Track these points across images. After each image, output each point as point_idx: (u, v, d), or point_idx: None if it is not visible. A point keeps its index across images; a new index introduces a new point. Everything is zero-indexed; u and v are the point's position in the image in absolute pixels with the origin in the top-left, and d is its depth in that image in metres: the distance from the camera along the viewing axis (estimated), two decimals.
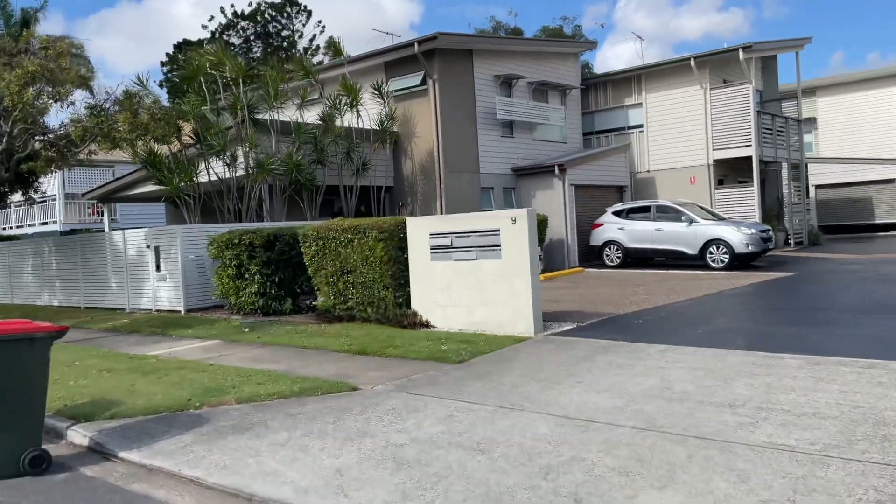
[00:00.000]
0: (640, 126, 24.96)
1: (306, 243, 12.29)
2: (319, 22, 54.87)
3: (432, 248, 10.74)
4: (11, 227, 32.43)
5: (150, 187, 19.99)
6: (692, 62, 22.90)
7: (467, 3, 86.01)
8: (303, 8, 45.95)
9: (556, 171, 20.96)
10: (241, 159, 16.34)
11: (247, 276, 13.31)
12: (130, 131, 11.42)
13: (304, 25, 45.90)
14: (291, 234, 13.35)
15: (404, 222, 11.22)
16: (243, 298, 13.38)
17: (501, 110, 21.09)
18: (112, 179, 21.87)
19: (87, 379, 8.47)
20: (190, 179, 15.28)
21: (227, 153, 15.79)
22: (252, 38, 44.98)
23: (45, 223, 30.37)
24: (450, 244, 10.51)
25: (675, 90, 24.01)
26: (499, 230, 9.90)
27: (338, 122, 18.49)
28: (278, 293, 13.30)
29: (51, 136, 11.22)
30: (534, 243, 9.71)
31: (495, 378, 7.24)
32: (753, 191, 22.45)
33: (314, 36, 45.69)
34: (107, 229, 23.02)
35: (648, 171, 24.75)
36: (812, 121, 33.38)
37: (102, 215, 30.80)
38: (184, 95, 16.58)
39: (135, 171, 20.28)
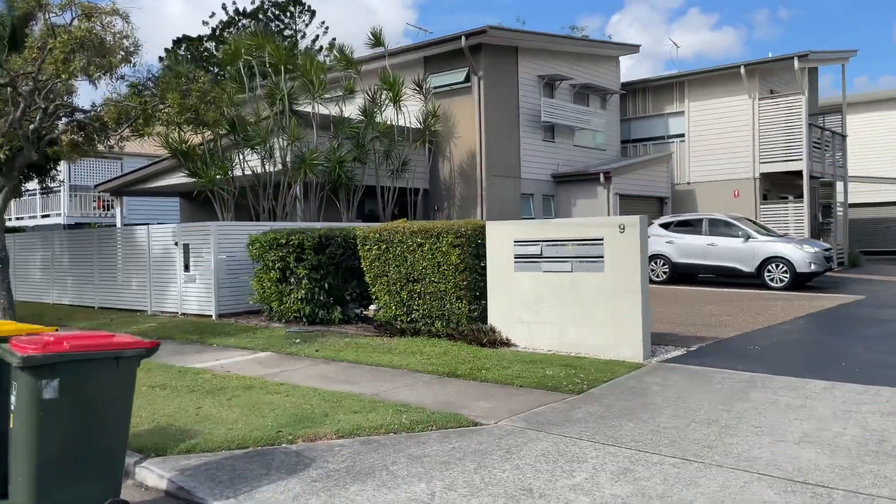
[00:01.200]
0: (682, 136, 23.95)
1: (366, 246, 11.10)
2: (323, 23, 53.81)
3: (517, 256, 9.58)
4: (11, 219, 30.96)
5: (169, 180, 18.74)
6: (742, 70, 21.91)
7: (464, 11, 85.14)
8: (306, 8, 44.88)
9: (602, 178, 19.87)
10: (277, 153, 15.12)
11: (292, 280, 12.09)
12: (179, 113, 10.18)
13: (306, 26, 44.81)
14: (343, 236, 12.16)
15: (483, 227, 10.06)
16: (287, 305, 12.15)
17: (546, 112, 20.00)
18: (129, 171, 20.57)
19: (140, 398, 7.21)
20: (226, 172, 14.04)
21: (266, 146, 14.57)
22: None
23: (48, 216, 28.92)
24: (539, 253, 9.35)
25: (721, 99, 23.02)
26: (602, 239, 8.76)
27: (377, 119, 17.30)
28: (326, 301, 12.09)
29: (82, 116, 9.99)
30: (645, 256, 8.57)
31: (644, 416, 6.07)
32: (803, 207, 21.45)
33: (317, 37, 44.57)
34: (118, 223, 21.70)
35: (689, 183, 23.73)
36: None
37: (108, 209, 29.48)
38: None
39: (155, 163, 19.03)
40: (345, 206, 16.74)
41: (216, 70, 28.20)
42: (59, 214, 28.42)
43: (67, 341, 4.28)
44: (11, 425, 4.30)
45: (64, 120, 10.63)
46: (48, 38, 8.52)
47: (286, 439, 5.71)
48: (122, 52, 9.22)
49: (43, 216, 29.33)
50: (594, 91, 22.47)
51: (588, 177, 20.40)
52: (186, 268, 14.23)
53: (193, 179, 15.06)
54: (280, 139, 14.88)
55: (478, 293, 10.09)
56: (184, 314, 14.31)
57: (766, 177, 22.52)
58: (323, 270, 12.00)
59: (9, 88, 9.28)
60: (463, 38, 17.92)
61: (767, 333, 10.45)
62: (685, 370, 7.86)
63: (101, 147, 12.10)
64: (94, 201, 29.44)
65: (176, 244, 14.41)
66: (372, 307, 12.27)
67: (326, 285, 12.04)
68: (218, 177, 13.95)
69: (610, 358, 8.56)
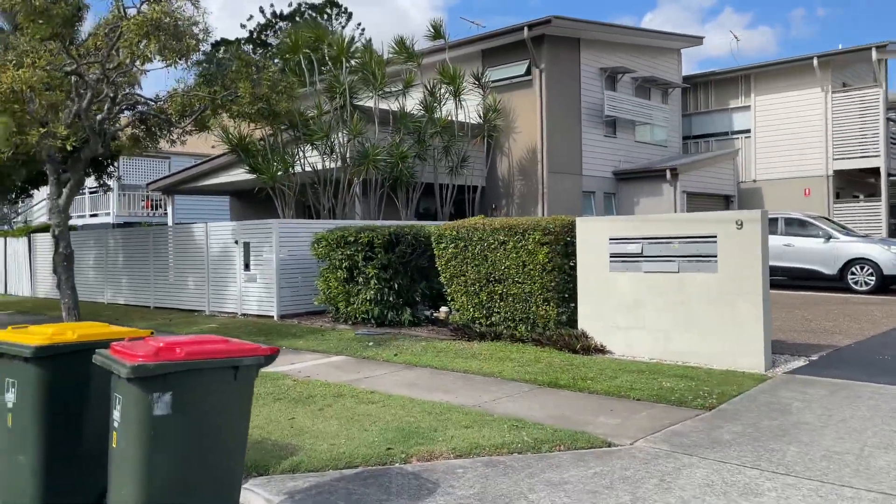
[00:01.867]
0: (747, 131, 22.92)
1: (441, 244, 10.45)
2: (359, 24, 53.50)
3: (613, 255, 8.84)
4: None
5: (223, 178, 18.35)
6: (815, 62, 20.82)
7: (493, 14, 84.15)
8: (343, 10, 44.57)
9: (668, 175, 18.98)
10: (337, 149, 14.56)
11: (360, 280, 11.50)
12: (250, 103, 9.65)
13: (343, 27, 44.47)
14: (413, 234, 11.54)
15: (572, 223, 9.34)
16: (355, 306, 11.56)
17: (609, 106, 19.19)
18: (182, 169, 20.26)
19: None
20: (287, 168, 13.52)
21: (329, 141, 14.01)
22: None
23: (96, 215, 28.90)
24: (639, 252, 8.60)
25: (790, 93, 21.95)
26: (715, 237, 7.98)
27: (436, 114, 16.67)
28: (395, 302, 11.47)
29: (145, 108, 9.52)
30: (766, 254, 7.77)
31: (804, 439, 5.30)
32: (881, 206, 20.31)
33: (353, 38, 44.22)
34: (170, 222, 21.41)
35: (755, 181, 22.68)
36: None
37: (156, 209, 29.37)
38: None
39: (209, 160, 18.64)
40: (403, 204, 16.14)
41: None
42: (107, 214, 28.36)
43: (180, 347, 3.68)
44: (115, 444, 3.72)
45: (127, 112, 10.15)
46: (120, 20, 8.03)
47: (399, 458, 5.07)
48: (193, 39, 8.71)
49: (91, 215, 29.32)
50: (656, 85, 21.58)
51: (653, 173, 19.53)
52: (247, 267, 13.75)
53: (253, 176, 14.59)
54: (340, 134, 14.32)
55: (566, 295, 9.37)
56: (244, 315, 13.83)
57: (838, 174, 21.39)
58: (392, 270, 11.39)
59: (73, 77, 8.84)
60: (525, 28, 17.20)
61: (884, 341, 9.55)
62: (822, 383, 7.04)
63: (162, 143, 11.65)
64: (143, 201, 29.35)
65: (236, 242, 13.94)
66: (443, 309, 11.64)
67: (396, 286, 11.42)
68: (279, 173, 13.42)
69: (726, 368, 7.78)
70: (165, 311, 15.19)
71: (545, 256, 9.26)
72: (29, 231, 22.36)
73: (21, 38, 8.95)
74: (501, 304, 9.83)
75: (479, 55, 18.91)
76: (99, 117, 8.93)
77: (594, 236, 9.02)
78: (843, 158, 20.97)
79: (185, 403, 3.62)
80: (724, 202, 21.80)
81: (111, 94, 8.77)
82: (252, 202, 21.75)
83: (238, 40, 43.31)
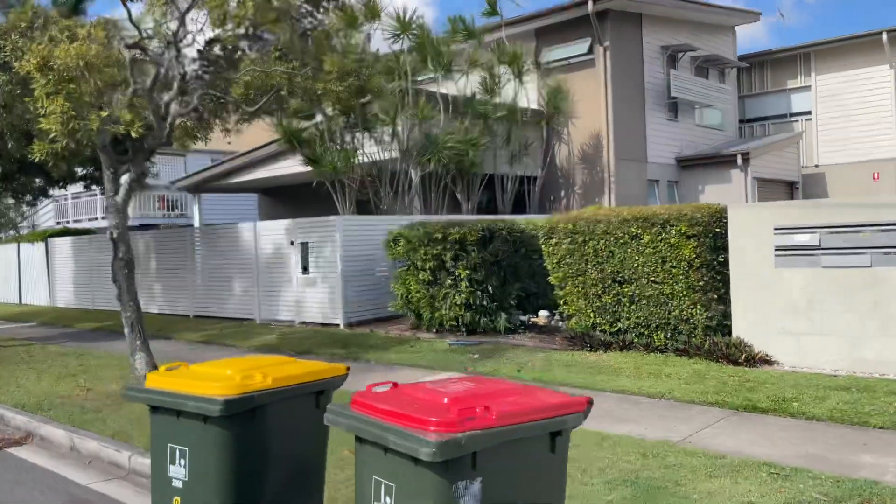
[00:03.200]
0: (807, 113, 21.56)
1: (552, 240, 9.08)
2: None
3: (779, 248, 7.49)
4: (68, 221, 29.52)
5: (260, 173, 16.96)
6: (884, 37, 19.45)
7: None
8: None
9: (740, 160, 17.63)
10: (400, 137, 13.17)
11: (448, 282, 10.13)
12: (339, 80, 8.27)
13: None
14: (507, 230, 10.18)
15: (722, 211, 7.99)
16: (442, 311, 10.19)
17: (676, 87, 17.85)
18: (212, 164, 18.83)
19: None
20: (349, 159, 12.13)
21: (393, 128, 12.61)
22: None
23: (80, 220, 27.44)
24: (815, 244, 7.24)
25: (854, 70, 20.58)
26: None
27: (496, 98, 15.28)
28: (489, 306, 10.12)
29: (206, 89, 8.12)
30: None
31: None
32: None
33: (414, 12, 42.74)
34: (197, 223, 20.00)
35: (817, 166, 21.34)
36: None
37: (173, 209, 27.92)
38: None
39: (245, 154, 17.22)
40: (464, 198, 14.78)
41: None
42: (93, 219, 26.92)
43: (489, 405, 2.32)
44: None
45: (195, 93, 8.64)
46: None
47: None
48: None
49: (103, 217, 27.84)
50: (715, 64, 20.21)
51: (721, 159, 18.18)
52: (305, 269, 12.37)
53: (305, 169, 13.20)
54: (401, 120, 12.92)
55: (715, 296, 8.02)
56: (302, 323, 12.45)
57: None
58: (485, 270, 10.03)
59: (137, 51, 7.46)
60: (590, 2, 15.79)
61: None
62: None
63: (216, 132, 10.24)
64: (158, 201, 27.93)
65: (291, 243, 12.55)
66: (542, 313, 10.29)
67: (489, 288, 10.06)
68: (339, 164, 12.02)
69: None
70: (209, 321, 13.80)
71: (692, 251, 7.90)
72: (46, 235, 20.92)
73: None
74: (631, 308, 8.47)
75: (533, 34, 17.50)
76: (166, 98, 7.56)
77: (753, 226, 7.66)
78: None
79: (495, 489, 2.28)
80: (789, 189, 20.46)
81: (181, 72, 7.39)
82: (285, 200, 20.37)
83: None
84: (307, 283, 12.35)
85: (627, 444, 5.15)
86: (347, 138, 13.22)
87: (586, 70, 16.71)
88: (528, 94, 15.92)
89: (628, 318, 8.52)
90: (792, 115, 21.92)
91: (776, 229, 7.50)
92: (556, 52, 17.10)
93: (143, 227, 24.16)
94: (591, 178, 16.87)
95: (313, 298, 12.28)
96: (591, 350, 8.58)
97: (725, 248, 7.94)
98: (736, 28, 21.88)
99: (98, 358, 10.07)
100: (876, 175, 20.33)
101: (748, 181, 17.78)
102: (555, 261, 9.07)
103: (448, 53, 13.38)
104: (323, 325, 12.12)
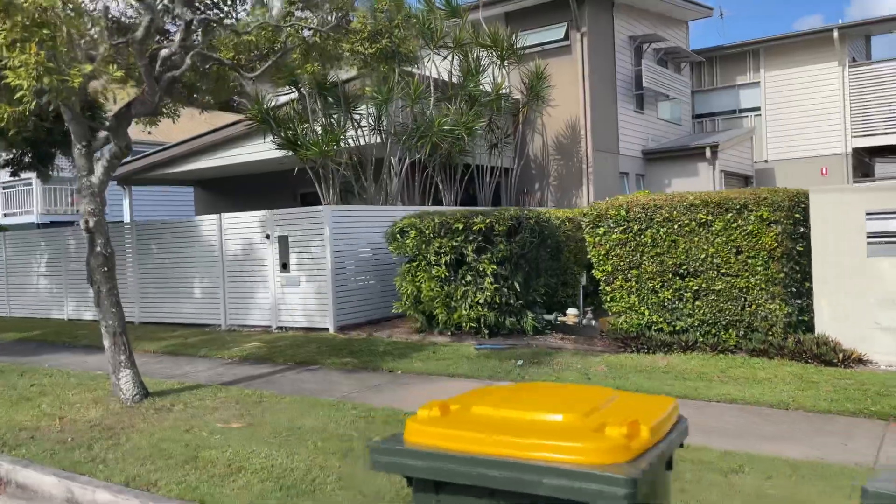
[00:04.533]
0: (757, 109, 21.74)
1: (599, 229, 8.13)
2: None
3: (873, 234, 6.84)
4: None
5: (214, 161, 15.15)
6: (835, 34, 19.80)
7: None
8: None
9: (708, 153, 17.38)
10: (385, 120, 11.86)
11: (468, 278, 9.00)
12: (369, 40, 6.94)
13: None
14: (536, 219, 9.16)
15: (803, 195, 7.28)
16: (462, 311, 9.04)
17: (648, 78, 17.37)
18: (147, 153, 16.75)
19: None
20: (337, 143, 10.69)
21: (385, 109, 11.26)
22: None
23: (14, 213, 24.50)
24: None
25: (804, 67, 20.89)
26: None
27: (472, 84, 14.21)
28: (514, 305, 9.06)
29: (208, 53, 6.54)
30: None
31: None
32: None
33: None
34: (127, 218, 17.84)
35: (766, 161, 21.54)
36: None
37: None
38: None
39: (196, 138, 15.35)
40: (447, 188, 13.65)
41: None
42: (28, 212, 24.07)
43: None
44: None
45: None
46: None
47: None
48: None
49: (7, 214, 24.83)
50: (674, 57, 19.99)
51: (688, 152, 17.89)
52: (284, 267, 10.88)
53: (278, 154, 11.65)
54: (386, 103, 11.63)
55: (794, 290, 7.30)
56: (281, 328, 10.96)
57: (857, 152, 20.56)
58: (511, 265, 8.97)
59: None
60: None
61: None
62: None
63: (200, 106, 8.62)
64: (70, 196, 25.12)
65: (267, 237, 11.03)
66: (571, 311, 9.33)
67: (516, 284, 9.00)
68: (325, 147, 10.56)
69: None
70: (161, 329, 12.01)
71: (773, 239, 7.14)
72: None
73: None
74: (696, 304, 7.63)
75: (503, 18, 16.56)
76: (164, 52, 6.01)
77: (840, 211, 6.98)
78: (863, 135, 20.14)
79: None
80: (744, 183, 20.53)
81: (187, 18, 5.86)
82: (227, 193, 18.55)
83: None
84: (287, 283, 10.86)
85: (776, 465, 4.23)
86: (323, 120, 11.77)
87: (562, 57, 15.94)
88: (507, 80, 14.94)
89: (691, 316, 7.68)
90: (741, 110, 22.06)
91: (868, 214, 6.84)
92: (532, 38, 16.20)
93: (55, 225, 21.56)
94: (567, 170, 16.12)
95: (295, 300, 10.81)
96: (648, 352, 7.69)
97: (804, 237, 7.24)
98: (689, 23, 21.82)
99: (51, 376, 8.27)
100: (824, 170, 20.70)
101: (716, 174, 17.57)
102: (602, 252, 8.12)
103: (439, 30, 12.19)
104: (307, 329, 10.69)
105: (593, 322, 9.01)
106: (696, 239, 7.52)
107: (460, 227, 8.83)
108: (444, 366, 7.78)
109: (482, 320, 8.99)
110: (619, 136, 17.12)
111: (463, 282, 9.08)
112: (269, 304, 11.10)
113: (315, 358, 8.64)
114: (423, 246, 9.24)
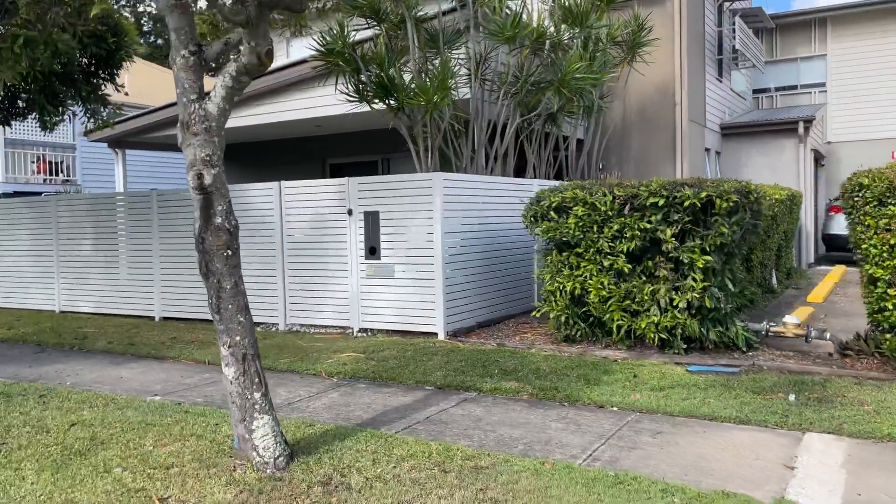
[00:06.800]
0: (820, 85, 19.86)
1: (887, 208, 5.85)
2: None
3: None
4: None
5: (252, 118, 12.34)
6: None
7: None
8: None
9: (801, 129, 15.35)
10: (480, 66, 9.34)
11: (663, 272, 6.65)
12: None
13: None
14: (756, 195, 6.83)
15: None
16: (653, 318, 6.69)
17: (741, 41, 15.20)
18: (152, 109, 13.78)
19: None
20: (447, 89, 8.12)
21: (509, 49, 8.72)
22: None
23: None
24: None
25: (876, 40, 19.07)
26: None
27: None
28: (724, 309, 6.75)
29: None
30: None
31: None
32: None
33: None
34: (119, 187, 14.88)
35: (829, 143, 19.71)
36: None
37: (55, 173, 21.96)
38: None
39: None
40: (537, 159, 11.24)
41: None
42: None
43: None
44: None
45: None
46: None
47: None
48: None
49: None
50: (752, 21, 17.88)
51: (773, 127, 15.82)
52: (372, 252, 8.35)
53: (350, 109, 9.03)
54: (478, 44, 9.12)
55: None
56: (365, 331, 8.46)
57: None
58: (722, 254, 6.66)
59: None
60: None
61: None
62: None
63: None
64: (34, 163, 21.77)
65: (349, 213, 8.46)
66: (788, 319, 7.07)
67: (728, 281, 6.70)
68: (437, 97, 7.98)
69: None
70: (194, 327, 9.36)
71: None
72: None
73: None
74: None
75: None
76: None
77: None
78: None
79: None
80: (817, 165, 18.67)
81: None
82: (244, 161, 15.75)
83: None
84: (376, 273, 8.34)
85: None
86: (420, 64, 9.16)
87: (655, 7, 13.58)
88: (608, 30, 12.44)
89: None
90: (802, 86, 20.17)
91: None
92: None
93: (18, 195, 18.31)
94: (653, 143, 13.85)
95: (386, 295, 8.30)
96: None
97: None
98: None
99: (90, 405, 5.63)
100: (895, 154, 18.97)
101: (806, 154, 15.58)
102: (892, 241, 5.84)
103: None
104: (403, 333, 8.22)
105: (826, 336, 6.75)
106: None
107: (660, 202, 6.46)
108: (677, 401, 5.43)
109: (678, 330, 6.66)
110: (707, 106, 14.95)
111: (652, 277, 6.74)
112: (346, 300, 8.56)
113: (458, 379, 6.20)
114: (593, 228, 6.85)
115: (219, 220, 4.04)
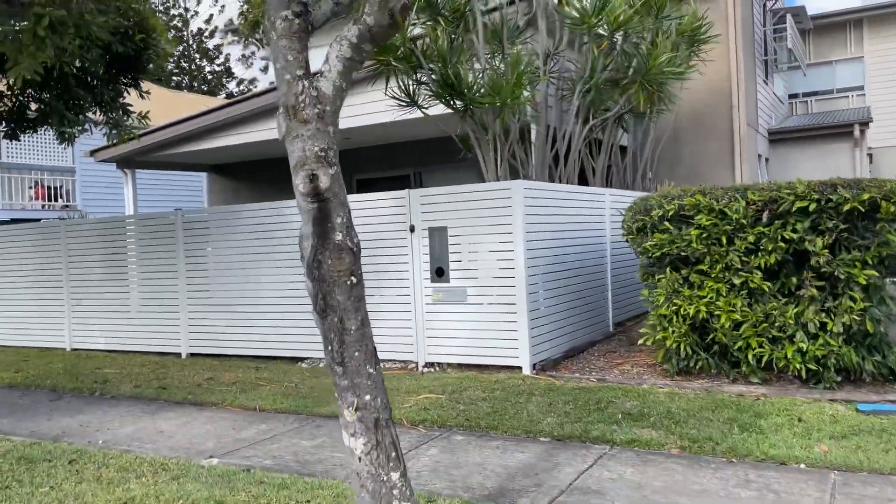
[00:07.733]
0: (859, 88, 19.01)
1: None
2: None
3: None
4: None
5: (248, 136, 11.29)
6: None
7: None
8: None
9: (857, 131, 14.43)
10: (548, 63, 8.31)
11: (810, 293, 5.58)
12: None
13: None
14: None
15: None
16: (800, 345, 5.61)
17: (792, 41, 14.28)
18: (157, 127, 12.66)
19: None
20: (522, 90, 7.02)
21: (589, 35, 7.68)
22: None
23: None
24: None
25: None
26: None
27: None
28: (881, 333, 5.67)
29: None
30: None
31: None
32: None
33: None
34: (130, 209, 13.73)
35: (869, 149, 18.80)
36: None
37: (54, 199, 20.80)
38: None
39: (225, 107, 11.52)
40: (594, 165, 10.21)
41: None
42: None
43: None
44: None
45: None
46: None
47: None
48: None
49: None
50: (794, 21, 17.02)
51: (825, 131, 14.90)
52: (440, 274, 7.24)
53: (407, 112, 7.96)
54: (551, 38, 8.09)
55: None
56: (432, 365, 7.33)
57: None
58: (883, 268, 5.59)
59: None
60: None
61: None
62: None
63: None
64: (31, 188, 20.60)
65: (412, 230, 7.37)
66: None
67: (888, 299, 5.63)
68: (513, 96, 6.89)
69: None
70: (227, 364, 8.21)
71: None
72: None
73: None
74: None
75: None
76: None
77: None
78: None
79: None
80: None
81: None
82: (250, 180, 14.69)
83: None
84: (445, 298, 7.22)
85: None
86: (485, 61, 8.10)
87: (711, 3, 12.63)
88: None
89: None
90: (838, 90, 19.31)
91: None
92: None
93: (14, 222, 17.10)
94: (706, 149, 12.86)
95: (456, 324, 7.18)
96: None
97: None
98: None
99: (137, 474, 4.48)
100: None
101: (861, 159, 14.63)
102: None
103: None
104: (479, 367, 7.10)
105: None
106: None
107: (811, 206, 5.40)
108: (879, 453, 4.33)
109: (830, 360, 5.57)
110: (759, 110, 14.02)
111: (792, 297, 5.66)
112: (409, 330, 7.43)
113: (578, 428, 5.08)
114: (721, 240, 5.78)
115: (339, 236, 2.95)
